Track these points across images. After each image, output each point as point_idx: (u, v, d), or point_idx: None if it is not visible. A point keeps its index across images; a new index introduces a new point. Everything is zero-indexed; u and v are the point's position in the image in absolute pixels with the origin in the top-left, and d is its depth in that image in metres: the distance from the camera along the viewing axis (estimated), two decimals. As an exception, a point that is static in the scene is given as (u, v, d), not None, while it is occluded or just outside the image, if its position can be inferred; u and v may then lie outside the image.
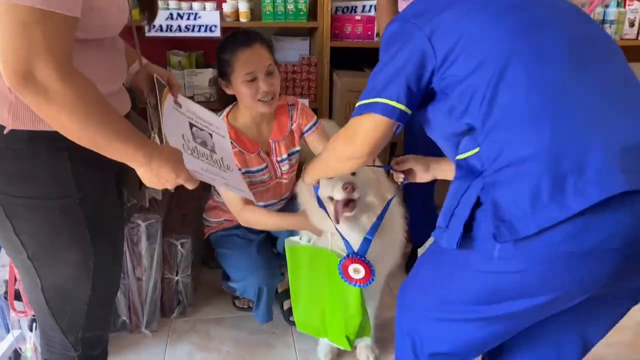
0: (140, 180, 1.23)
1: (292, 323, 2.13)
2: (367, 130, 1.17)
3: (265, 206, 2.04)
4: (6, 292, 1.63)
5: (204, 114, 1.42)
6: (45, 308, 1.19)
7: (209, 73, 2.59)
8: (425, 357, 1.30)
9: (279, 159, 2.00)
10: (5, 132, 1.01)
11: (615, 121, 1.02)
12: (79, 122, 0.95)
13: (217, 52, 1.89)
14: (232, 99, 1.95)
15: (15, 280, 1.58)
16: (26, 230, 1.10)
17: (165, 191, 1.26)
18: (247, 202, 1.87)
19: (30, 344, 1.66)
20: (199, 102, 2.55)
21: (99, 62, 1.10)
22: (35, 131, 1.02)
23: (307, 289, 1.80)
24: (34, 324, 1.64)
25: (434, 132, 1.25)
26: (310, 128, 2.02)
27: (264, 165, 1.96)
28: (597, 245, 0.99)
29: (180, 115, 1.32)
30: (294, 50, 2.72)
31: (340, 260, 1.61)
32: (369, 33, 2.55)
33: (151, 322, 2.08)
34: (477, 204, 1.09)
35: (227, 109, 1.97)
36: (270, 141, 1.98)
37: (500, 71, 1.05)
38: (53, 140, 1.03)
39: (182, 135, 1.27)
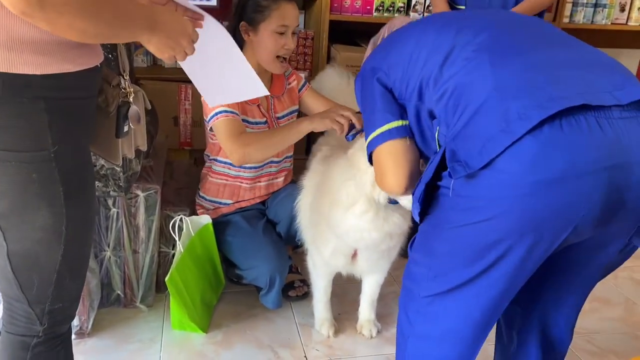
0: (116, 129, 1.23)
1: (291, 298, 2.12)
2: (386, 155, 1.28)
3: (267, 164, 2.01)
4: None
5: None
6: (11, 275, 1.08)
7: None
8: (435, 341, 1.25)
9: (277, 115, 2.00)
10: None
11: (548, 57, 1.09)
12: (91, 19, 0.91)
13: None
14: None
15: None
16: None
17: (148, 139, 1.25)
18: (241, 131, 1.81)
19: None
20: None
21: None
22: (10, 75, 0.94)
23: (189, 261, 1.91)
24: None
25: (422, 149, 1.31)
26: (302, 87, 2.08)
27: (264, 119, 1.94)
28: (564, 170, 0.99)
29: None
30: (288, 24, 2.67)
31: None
32: (368, 7, 2.52)
33: (147, 297, 2.02)
34: (445, 165, 1.13)
35: None
36: (269, 97, 1.97)
37: (445, 56, 1.15)
38: (29, 88, 0.96)
39: None
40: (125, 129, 1.26)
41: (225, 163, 1.99)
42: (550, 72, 1.06)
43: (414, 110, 1.23)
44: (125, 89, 1.28)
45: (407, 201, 1.62)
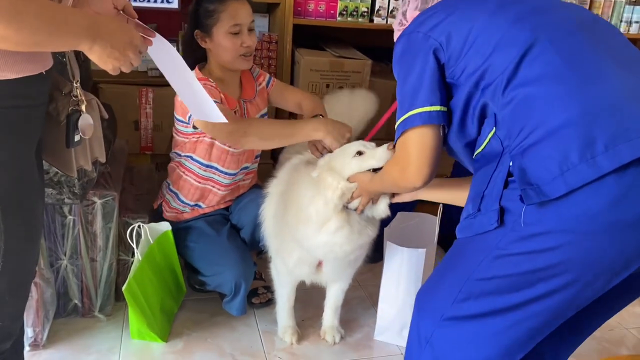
0: (66, 139, 1.16)
1: (255, 305, 2.09)
2: (416, 144, 1.18)
3: (241, 170, 1.98)
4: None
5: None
6: None
7: (164, 47, 2.47)
8: None
9: None
10: None
11: (633, 78, 1.03)
12: (10, 24, 0.83)
13: (198, 1, 1.83)
14: (199, 62, 1.91)
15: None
16: None
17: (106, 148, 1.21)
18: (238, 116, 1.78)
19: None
20: (152, 78, 2.46)
21: None
22: None
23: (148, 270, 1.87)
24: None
25: (455, 142, 1.22)
26: (269, 83, 2.05)
27: None
28: None
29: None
30: (252, 27, 2.65)
31: None
32: (332, 12, 2.51)
33: (105, 306, 1.97)
34: (507, 181, 1.06)
35: (196, 68, 1.90)
36: (241, 101, 1.94)
37: (523, 53, 1.06)
38: None
39: None
40: (77, 138, 1.21)
41: (200, 163, 1.92)
42: (638, 100, 0.99)
43: (465, 95, 1.14)
44: (77, 97, 1.24)
45: (383, 208, 1.61)
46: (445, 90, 1.17)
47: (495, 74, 1.08)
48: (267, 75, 2.06)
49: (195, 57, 1.90)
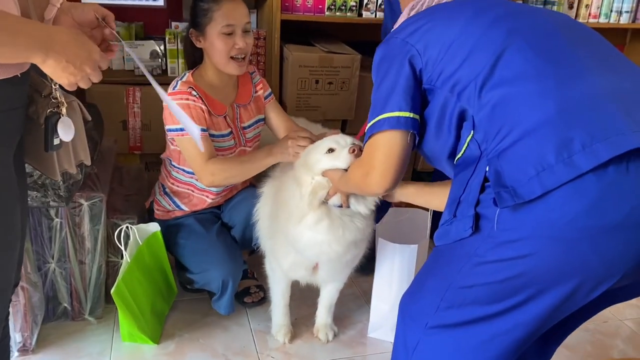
0: (45, 142, 1.13)
1: (246, 304, 2.08)
2: (381, 149, 1.17)
3: None
4: None
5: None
6: None
7: (151, 45, 2.44)
8: None
9: (243, 125, 1.94)
10: None
11: (617, 84, 1.00)
12: None
13: None
14: (197, 63, 1.89)
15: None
16: None
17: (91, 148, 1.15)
18: (210, 155, 1.77)
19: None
20: (139, 76, 2.42)
21: None
22: None
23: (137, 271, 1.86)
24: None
25: (435, 150, 1.20)
26: (267, 96, 2.02)
27: (228, 130, 1.88)
28: (626, 217, 0.90)
29: None
30: (240, 23, 2.62)
31: None
32: (320, 6, 2.49)
33: (96, 309, 1.95)
34: (483, 186, 1.03)
35: (192, 70, 1.87)
36: (235, 105, 1.91)
37: (497, 56, 1.05)
38: None
39: None
40: (56, 141, 1.17)
41: (191, 173, 1.90)
42: (618, 100, 0.96)
43: (442, 100, 1.11)
44: (56, 99, 1.21)
45: (363, 207, 1.60)
46: (420, 99, 1.15)
47: (470, 77, 1.06)
48: (269, 89, 2.03)
49: (194, 58, 1.88)
